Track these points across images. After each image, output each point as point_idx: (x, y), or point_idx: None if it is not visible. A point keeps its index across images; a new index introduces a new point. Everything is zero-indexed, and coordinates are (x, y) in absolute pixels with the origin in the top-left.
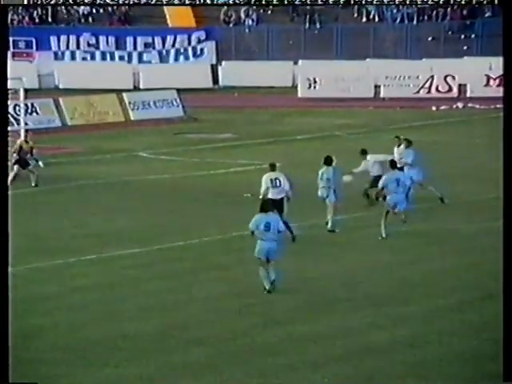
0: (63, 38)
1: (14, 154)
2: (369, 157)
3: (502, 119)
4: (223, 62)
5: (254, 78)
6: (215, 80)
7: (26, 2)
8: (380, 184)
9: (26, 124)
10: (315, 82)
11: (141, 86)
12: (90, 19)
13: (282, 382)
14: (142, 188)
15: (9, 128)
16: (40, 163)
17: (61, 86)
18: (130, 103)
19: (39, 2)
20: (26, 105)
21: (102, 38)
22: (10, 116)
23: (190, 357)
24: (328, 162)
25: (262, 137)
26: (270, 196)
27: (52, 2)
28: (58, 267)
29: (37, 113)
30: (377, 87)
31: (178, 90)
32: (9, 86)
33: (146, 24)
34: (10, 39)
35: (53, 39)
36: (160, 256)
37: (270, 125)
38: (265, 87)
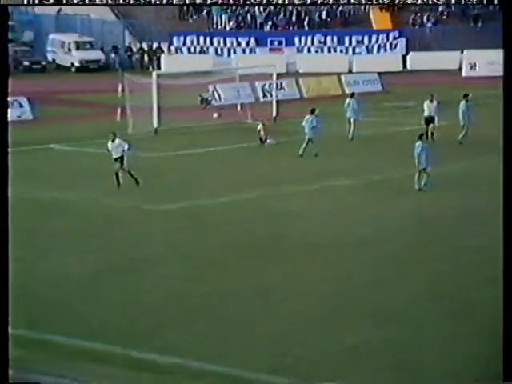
0: (303, 38)
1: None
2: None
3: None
4: (410, 53)
5: (431, 63)
6: (404, 65)
7: (26, 2)
8: None
9: (277, 96)
10: (475, 65)
11: (353, 70)
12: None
13: None
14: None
15: (263, 99)
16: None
17: (300, 71)
18: (345, 82)
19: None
20: (277, 83)
21: (328, 38)
22: (264, 91)
23: None
24: None
25: None
26: None
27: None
28: None
29: (284, 89)
30: None
31: (379, 73)
32: (265, 71)
33: (358, 27)
34: (268, 39)
35: (297, 39)
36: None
37: (444, 94)
38: (438, 70)
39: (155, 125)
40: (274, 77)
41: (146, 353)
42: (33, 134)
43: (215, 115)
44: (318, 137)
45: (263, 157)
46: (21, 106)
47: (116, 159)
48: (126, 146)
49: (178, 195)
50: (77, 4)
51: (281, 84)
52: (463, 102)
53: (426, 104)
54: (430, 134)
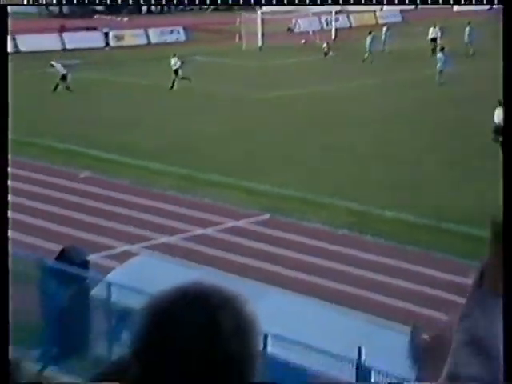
0: None
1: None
2: None
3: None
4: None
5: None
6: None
7: (25, 2)
8: None
9: (335, 25)
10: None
11: (383, 9)
12: None
13: None
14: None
15: (326, 28)
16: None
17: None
18: (378, 16)
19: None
20: (335, 17)
21: None
22: (327, 22)
23: None
24: None
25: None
26: None
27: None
28: None
29: (339, 21)
30: None
31: (400, 10)
32: (327, 9)
33: None
34: None
35: None
36: None
37: (442, 23)
38: (437, 7)
39: (259, 44)
40: (333, 13)
41: (259, 184)
42: (185, 49)
43: (302, 41)
44: (374, 49)
45: (326, 64)
46: (178, 32)
47: (174, 70)
48: (179, 63)
49: (274, 87)
50: (76, 4)
51: (337, 18)
52: (468, 27)
53: (431, 29)
54: (438, 48)
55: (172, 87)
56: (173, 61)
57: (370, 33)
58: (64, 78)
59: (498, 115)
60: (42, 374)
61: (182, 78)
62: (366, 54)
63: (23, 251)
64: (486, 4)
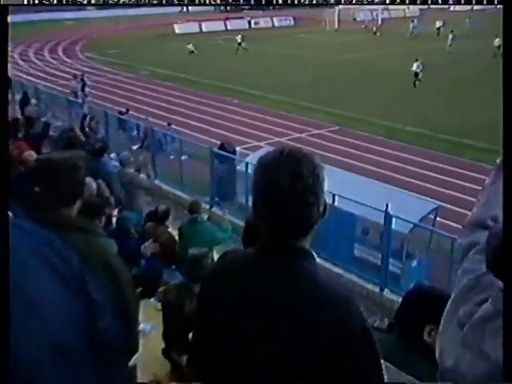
0: None
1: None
2: None
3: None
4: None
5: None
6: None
7: (26, 2)
8: None
9: (380, 17)
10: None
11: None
12: None
13: None
14: None
15: (375, 18)
16: None
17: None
18: (407, 12)
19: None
20: (381, 12)
21: None
22: (376, 15)
23: None
24: None
25: None
26: None
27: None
28: None
29: (383, 14)
30: None
31: (420, 8)
32: (375, 8)
33: None
34: None
35: None
36: None
37: (444, 17)
38: (440, 7)
39: (336, 27)
40: (379, 10)
41: (334, 109)
42: (293, 30)
43: (363, 26)
44: (416, 32)
45: (375, 40)
46: (289, 20)
47: (238, 43)
48: (241, 38)
49: (345, 53)
50: (76, 4)
51: (382, 12)
52: (467, 19)
53: (437, 21)
54: (444, 32)
55: (236, 53)
56: (238, 37)
57: (412, 21)
58: (192, 52)
59: (416, 65)
60: (210, 210)
61: (243, 48)
62: (409, 34)
63: (200, 143)
64: (486, 4)
